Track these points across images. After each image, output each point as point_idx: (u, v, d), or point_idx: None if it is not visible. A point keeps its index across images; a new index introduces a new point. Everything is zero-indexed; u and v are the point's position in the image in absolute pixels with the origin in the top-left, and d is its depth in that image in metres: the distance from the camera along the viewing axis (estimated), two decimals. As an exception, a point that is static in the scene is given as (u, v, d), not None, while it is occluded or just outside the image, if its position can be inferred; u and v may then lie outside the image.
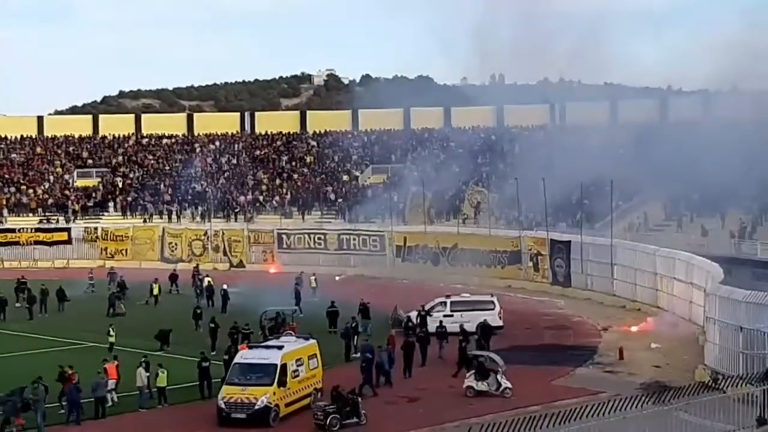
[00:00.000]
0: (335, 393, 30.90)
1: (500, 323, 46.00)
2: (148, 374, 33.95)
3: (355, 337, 41.34)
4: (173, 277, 61.38)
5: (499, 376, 34.23)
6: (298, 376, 32.62)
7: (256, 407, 30.79)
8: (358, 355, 38.53)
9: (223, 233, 75.13)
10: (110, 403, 33.20)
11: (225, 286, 55.17)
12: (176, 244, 76.06)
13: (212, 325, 44.15)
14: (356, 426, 30.47)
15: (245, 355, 33.34)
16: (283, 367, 31.87)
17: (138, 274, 63.57)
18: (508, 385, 34.07)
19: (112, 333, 42.59)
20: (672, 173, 57.64)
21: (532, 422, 20.29)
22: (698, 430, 21.85)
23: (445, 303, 46.68)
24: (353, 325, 42.12)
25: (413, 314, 45.56)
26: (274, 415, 31.10)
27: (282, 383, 31.56)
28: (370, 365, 35.37)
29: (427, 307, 46.10)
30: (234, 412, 30.91)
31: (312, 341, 34.89)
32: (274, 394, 31.23)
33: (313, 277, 59.37)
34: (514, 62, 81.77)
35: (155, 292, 56.88)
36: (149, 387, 34.00)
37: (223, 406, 31.12)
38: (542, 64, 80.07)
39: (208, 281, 57.87)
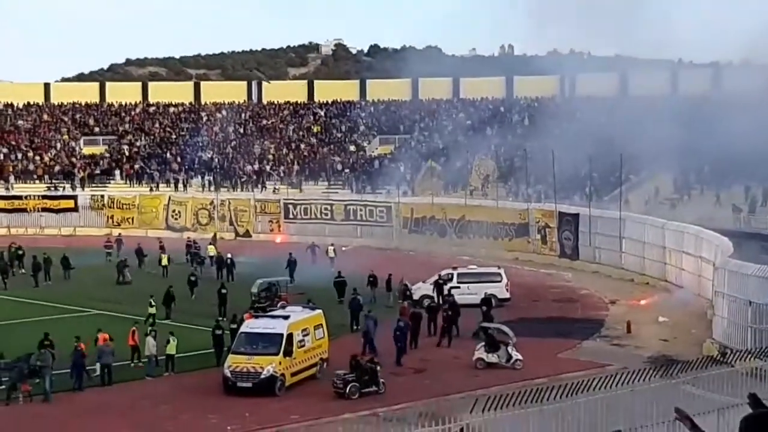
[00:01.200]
0: (354, 362, 31.05)
1: (507, 295, 46.03)
2: (155, 343, 33.92)
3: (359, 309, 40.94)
4: (162, 249, 60.54)
5: (509, 348, 34.15)
6: (304, 345, 32.61)
7: (262, 376, 30.82)
8: (359, 327, 38.51)
9: (229, 203, 74.99)
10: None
11: (230, 255, 55.15)
12: (179, 212, 75.88)
13: (224, 291, 44.26)
14: (375, 395, 30.61)
15: (251, 325, 33.35)
16: (289, 336, 31.87)
17: (144, 242, 63.42)
18: (519, 357, 34.00)
19: (153, 304, 41.84)
20: (682, 146, 57.26)
21: (539, 394, 20.19)
22: (706, 403, 21.69)
23: (451, 275, 46.58)
24: (356, 296, 42.05)
25: (422, 285, 45.68)
26: (280, 384, 31.14)
27: (288, 353, 31.55)
28: (404, 334, 35.63)
29: (433, 279, 46.13)
30: (240, 381, 30.95)
31: (318, 311, 34.88)
32: (280, 363, 31.23)
33: (331, 247, 59.34)
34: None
35: (164, 262, 56.36)
36: (156, 355, 34.00)
37: (228, 375, 31.14)
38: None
39: (217, 252, 57.68)
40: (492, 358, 34.14)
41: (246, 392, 30.69)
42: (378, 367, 31.26)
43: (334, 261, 56.89)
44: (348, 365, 31.15)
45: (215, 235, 67.37)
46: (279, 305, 39.17)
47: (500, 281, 46.33)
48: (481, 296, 42.31)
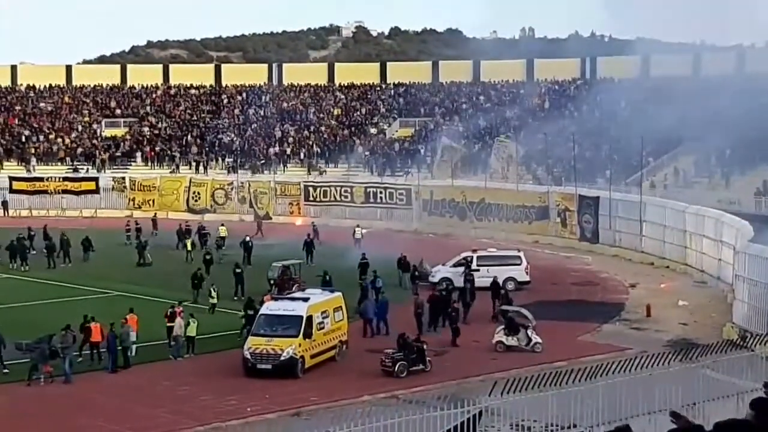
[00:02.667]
0: (402, 340, 31.34)
1: (527, 278, 45.97)
2: (182, 324, 34.03)
3: (375, 292, 40.67)
4: (154, 224, 61.14)
5: (529, 332, 34.15)
6: (323, 328, 32.67)
7: (282, 358, 30.92)
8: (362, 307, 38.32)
9: (249, 185, 75.08)
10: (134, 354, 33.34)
11: (248, 237, 55.09)
12: (199, 194, 76.09)
13: (238, 270, 44.38)
14: (421, 372, 30.95)
15: (271, 307, 33.42)
16: (309, 319, 31.94)
17: (166, 224, 63.63)
18: (539, 340, 33.98)
19: (213, 294, 41.20)
20: (704, 129, 56.95)
21: (558, 377, 20.21)
22: (725, 387, 21.66)
23: (471, 257, 46.50)
24: (373, 279, 42.01)
25: (441, 267, 45.69)
26: (300, 366, 31.21)
27: (307, 335, 31.64)
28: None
29: (452, 262, 46.14)
30: (259, 362, 31.06)
31: (337, 294, 34.95)
32: (300, 345, 31.32)
33: (358, 229, 59.22)
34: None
35: (189, 247, 56.04)
36: (180, 337, 34.14)
37: (248, 356, 31.25)
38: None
39: (224, 233, 57.82)
40: (511, 341, 34.14)
41: (266, 374, 30.82)
42: (425, 346, 31.52)
43: (360, 242, 56.80)
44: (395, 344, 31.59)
45: (260, 218, 67.56)
46: (295, 287, 39.31)
47: (520, 264, 46.27)
48: (501, 279, 42.34)
